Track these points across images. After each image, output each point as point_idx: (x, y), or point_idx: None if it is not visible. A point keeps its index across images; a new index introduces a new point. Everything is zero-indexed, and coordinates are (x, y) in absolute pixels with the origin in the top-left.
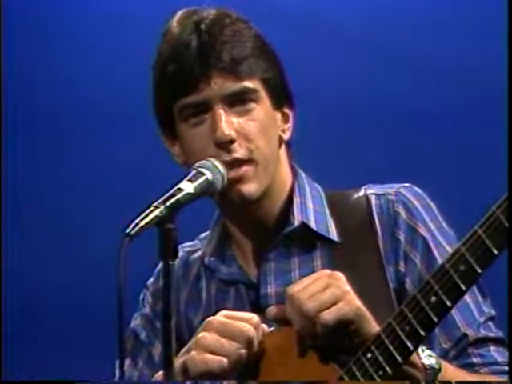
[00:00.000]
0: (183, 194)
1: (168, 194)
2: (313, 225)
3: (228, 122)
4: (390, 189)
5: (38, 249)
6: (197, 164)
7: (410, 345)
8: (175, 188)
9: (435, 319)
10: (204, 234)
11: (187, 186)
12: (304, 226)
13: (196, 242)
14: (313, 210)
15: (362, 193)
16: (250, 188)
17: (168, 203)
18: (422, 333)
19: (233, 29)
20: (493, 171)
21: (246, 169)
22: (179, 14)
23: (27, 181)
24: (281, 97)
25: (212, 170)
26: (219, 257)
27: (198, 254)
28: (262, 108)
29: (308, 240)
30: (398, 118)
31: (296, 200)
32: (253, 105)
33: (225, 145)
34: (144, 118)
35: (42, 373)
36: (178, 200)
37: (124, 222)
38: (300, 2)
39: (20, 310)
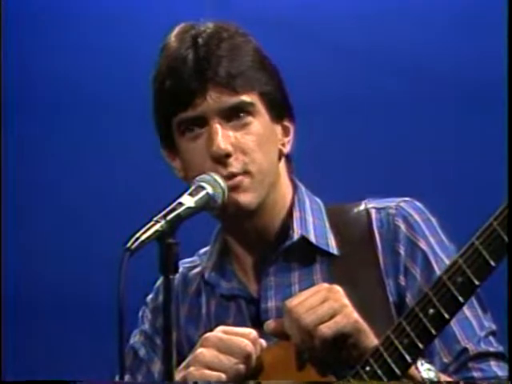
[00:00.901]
0: (184, 208)
1: (168, 208)
2: (312, 238)
3: (224, 137)
4: (391, 203)
5: (38, 249)
6: (197, 178)
7: (408, 358)
8: (176, 202)
9: (433, 332)
10: (203, 250)
11: (188, 201)
12: (304, 239)
13: (195, 257)
14: (312, 223)
15: (362, 207)
16: (246, 198)
17: (169, 217)
18: (421, 345)
19: (231, 43)
20: (492, 181)
21: (241, 178)
22: (177, 28)
23: (27, 181)
24: (280, 110)
25: (212, 184)
26: (219, 272)
27: (198, 269)
28: (260, 122)
29: (308, 254)
30: (397, 130)
31: (296, 214)
32: (250, 118)
33: (221, 159)
34: (147, 124)
35: (41, 373)
36: (178, 214)
37: (126, 225)
38: (297, 9)
39: (20, 310)
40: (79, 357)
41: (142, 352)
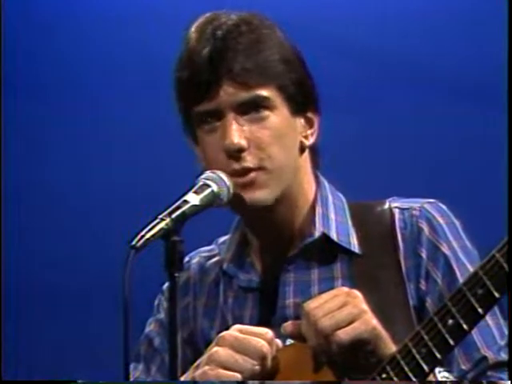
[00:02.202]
0: (189, 206)
1: (173, 206)
2: (334, 236)
3: (238, 131)
4: (415, 203)
5: (39, 248)
6: (202, 176)
7: (425, 367)
8: (181, 200)
9: (452, 342)
10: (222, 239)
11: (193, 198)
12: (325, 237)
13: (213, 246)
14: (335, 220)
15: (386, 206)
16: (261, 194)
17: (174, 215)
18: (439, 356)
19: (250, 36)
20: (497, 184)
21: (255, 175)
22: (200, 19)
23: (27, 181)
24: (302, 102)
25: (218, 181)
26: (238, 263)
27: (216, 259)
28: (277, 115)
29: (328, 251)
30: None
31: (318, 210)
32: (267, 112)
33: (234, 153)
34: (149, 123)
35: (42, 373)
36: (183, 212)
37: (130, 223)
38: (301, 12)
39: (20, 309)
40: (80, 357)
41: (156, 341)
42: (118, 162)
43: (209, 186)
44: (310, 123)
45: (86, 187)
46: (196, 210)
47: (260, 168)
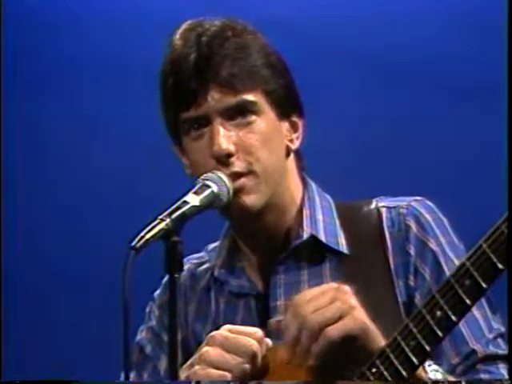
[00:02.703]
0: (189, 206)
1: (173, 206)
2: (322, 237)
3: (226, 136)
4: (402, 202)
5: (38, 248)
6: (203, 176)
7: (415, 360)
8: (181, 201)
9: (440, 334)
10: (212, 246)
11: (193, 199)
12: (313, 238)
13: (203, 253)
14: (322, 221)
15: (373, 205)
16: (250, 199)
17: (174, 216)
18: (428, 348)
19: (235, 41)
20: (494, 184)
21: (244, 180)
22: (184, 25)
23: (27, 181)
24: (287, 106)
25: (218, 182)
26: (228, 269)
27: (206, 265)
28: (264, 120)
29: (317, 252)
30: (408, 130)
31: (306, 212)
32: (253, 117)
33: (223, 159)
34: (150, 121)
35: (42, 373)
36: (183, 213)
37: (131, 223)
38: (299, 15)
39: (20, 309)
40: (80, 357)
41: (148, 349)
42: (118, 162)
43: (209, 186)
44: (294, 127)
45: (86, 187)
46: (196, 210)
47: (249, 172)
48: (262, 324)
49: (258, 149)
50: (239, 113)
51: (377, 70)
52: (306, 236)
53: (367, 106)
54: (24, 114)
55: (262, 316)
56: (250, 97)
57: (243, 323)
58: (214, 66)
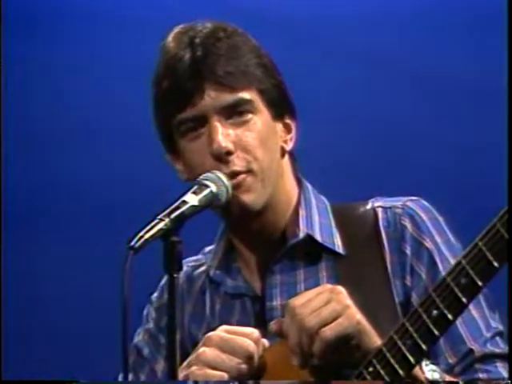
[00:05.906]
0: (188, 206)
1: (172, 206)
2: (318, 237)
3: (224, 134)
4: (397, 202)
5: (38, 249)
6: (201, 176)
7: (411, 359)
8: (180, 200)
9: (437, 333)
10: (208, 248)
11: (192, 199)
12: (309, 238)
13: (200, 256)
14: (318, 222)
15: (369, 206)
16: (250, 198)
17: (173, 216)
18: (424, 347)
19: (228, 42)
20: (495, 182)
21: (243, 177)
22: (175, 29)
23: (26, 181)
24: (280, 107)
25: (216, 182)
26: (224, 270)
27: (203, 268)
28: (260, 118)
29: (313, 252)
30: (405, 130)
31: (302, 212)
32: (250, 116)
33: (222, 157)
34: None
35: (42, 373)
36: (182, 212)
37: (129, 223)
38: (296, 13)
39: (20, 309)
40: (80, 357)
41: (145, 351)
42: (118, 162)
43: (207, 186)
44: (288, 129)
45: (86, 187)
46: (195, 210)
47: (248, 171)
48: (258, 324)
49: (256, 147)
50: (236, 111)
51: (376, 69)
52: (301, 235)
53: (367, 105)
54: (22, 114)
55: (257, 316)
56: (246, 95)
57: (239, 324)
58: (209, 65)
